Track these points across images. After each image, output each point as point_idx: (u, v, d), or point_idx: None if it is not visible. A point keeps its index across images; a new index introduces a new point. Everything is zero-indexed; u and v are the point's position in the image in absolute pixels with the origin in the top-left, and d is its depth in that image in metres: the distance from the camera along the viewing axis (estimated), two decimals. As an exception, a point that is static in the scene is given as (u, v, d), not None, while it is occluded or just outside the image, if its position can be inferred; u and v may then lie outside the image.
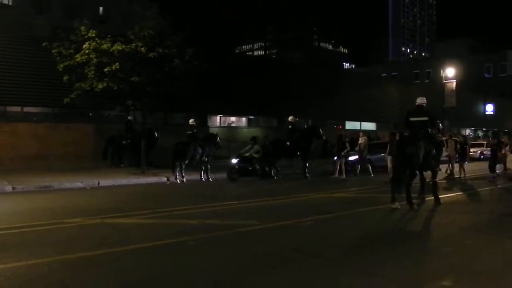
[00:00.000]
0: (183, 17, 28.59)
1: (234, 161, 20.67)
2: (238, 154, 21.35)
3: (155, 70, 19.38)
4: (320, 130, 21.68)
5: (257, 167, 20.51)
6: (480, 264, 7.00)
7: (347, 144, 22.09)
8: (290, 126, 21.64)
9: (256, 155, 20.89)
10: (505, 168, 19.83)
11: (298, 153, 20.88)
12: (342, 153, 21.53)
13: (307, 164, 20.62)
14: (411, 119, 12.37)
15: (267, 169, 20.46)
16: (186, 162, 18.52)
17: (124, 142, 22.96)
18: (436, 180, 12.93)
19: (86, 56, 18.80)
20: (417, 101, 12.75)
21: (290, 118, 21.81)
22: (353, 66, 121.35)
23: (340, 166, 21.40)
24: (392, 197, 11.81)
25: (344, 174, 21.13)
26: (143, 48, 18.85)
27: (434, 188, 12.74)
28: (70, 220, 10.03)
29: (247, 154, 21.08)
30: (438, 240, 8.72)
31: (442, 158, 24.30)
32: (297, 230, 9.47)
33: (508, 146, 19.70)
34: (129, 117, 23.17)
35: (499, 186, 17.81)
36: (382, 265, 6.83)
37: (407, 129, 12.62)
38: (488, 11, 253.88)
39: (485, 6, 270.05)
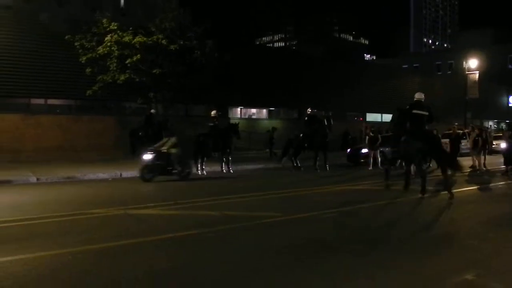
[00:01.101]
0: (203, 9, 28.65)
1: (147, 157, 16.46)
2: (152, 148, 16.90)
3: (176, 62, 19.47)
4: (331, 121, 20.74)
5: (175, 165, 16.64)
6: (502, 259, 6.94)
7: (379, 136, 21.86)
8: (306, 118, 21.34)
9: (173, 150, 16.57)
10: None
11: (306, 145, 20.42)
12: (377, 145, 21.41)
13: (324, 156, 20.08)
14: (414, 111, 12.63)
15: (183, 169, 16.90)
16: (208, 154, 18.57)
17: (140, 134, 22.97)
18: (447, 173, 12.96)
19: (108, 49, 18.98)
20: (416, 96, 13.12)
21: (308, 110, 21.52)
22: (374, 58, 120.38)
23: (374, 157, 21.30)
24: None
25: (378, 165, 20.95)
26: (164, 40, 18.95)
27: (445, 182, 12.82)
28: (93, 211, 10.17)
29: (164, 148, 16.65)
30: (459, 233, 8.64)
31: (464, 151, 24.17)
32: (318, 222, 9.46)
33: None
34: (152, 110, 23.17)
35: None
36: (402, 258, 6.82)
37: (407, 122, 12.95)
38: (511, 1, 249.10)
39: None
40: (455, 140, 20.99)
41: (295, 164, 20.45)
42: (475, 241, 7.93)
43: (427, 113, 12.65)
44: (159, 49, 19.05)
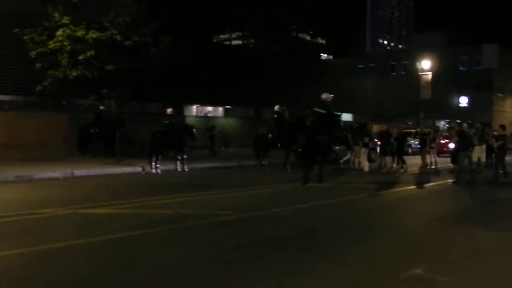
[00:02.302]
0: (159, 5, 28.19)
1: None
2: None
3: (131, 59, 19.02)
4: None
5: None
6: (452, 253, 7.16)
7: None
8: (276, 116, 20.01)
9: None
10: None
11: (279, 145, 19.43)
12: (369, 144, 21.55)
13: (288, 156, 18.98)
14: (315, 109, 14.41)
15: None
16: (163, 152, 18.32)
17: (92, 131, 22.44)
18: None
19: (59, 43, 18.38)
20: (322, 97, 14.66)
21: (276, 107, 19.97)
22: (331, 57, 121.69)
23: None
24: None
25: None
26: (118, 36, 18.51)
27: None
28: (42, 211, 9.81)
29: None
30: (412, 229, 8.88)
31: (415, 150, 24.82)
32: (274, 220, 9.46)
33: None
34: (101, 107, 22.52)
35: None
36: (357, 254, 6.92)
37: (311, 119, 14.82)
38: (464, 5, 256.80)
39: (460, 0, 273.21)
40: (400, 140, 21.41)
41: (263, 162, 20.04)
42: (424, 237, 8.21)
43: (325, 112, 14.20)
44: (113, 45, 18.59)
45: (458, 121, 58.36)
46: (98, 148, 22.10)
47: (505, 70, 69.37)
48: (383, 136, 21.67)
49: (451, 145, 21.24)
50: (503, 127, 18.59)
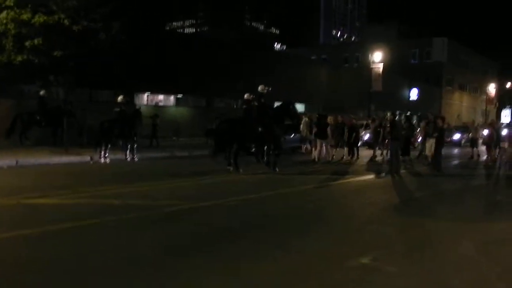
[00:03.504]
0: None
1: None
2: None
3: (79, 44, 18.49)
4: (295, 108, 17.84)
5: None
6: (400, 243, 7.32)
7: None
8: (245, 106, 17.37)
9: None
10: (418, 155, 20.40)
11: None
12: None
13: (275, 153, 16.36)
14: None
15: None
16: (112, 141, 17.92)
17: (38, 118, 21.38)
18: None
19: (3, 26, 17.68)
20: (258, 89, 15.79)
21: (245, 95, 17.11)
22: (284, 48, 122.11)
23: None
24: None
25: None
26: (66, 20, 17.95)
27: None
28: (-19, 201, 9.42)
29: None
30: (361, 219, 8.98)
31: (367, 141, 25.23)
32: (222, 210, 9.42)
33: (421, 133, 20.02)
34: (41, 92, 21.47)
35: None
36: (305, 244, 6.98)
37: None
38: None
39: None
40: (352, 130, 21.54)
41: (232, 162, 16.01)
42: (373, 226, 8.35)
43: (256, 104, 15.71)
44: (61, 29, 18.02)
45: (409, 113, 59.90)
46: (43, 136, 21.28)
47: (454, 63, 71.30)
48: (338, 127, 21.71)
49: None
50: (442, 119, 18.93)
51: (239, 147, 15.57)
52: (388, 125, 17.45)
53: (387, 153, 21.77)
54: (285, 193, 11.75)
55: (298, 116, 18.40)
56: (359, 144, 22.68)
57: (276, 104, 17.41)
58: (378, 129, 21.79)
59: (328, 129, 20.60)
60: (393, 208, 10.21)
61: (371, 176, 15.95)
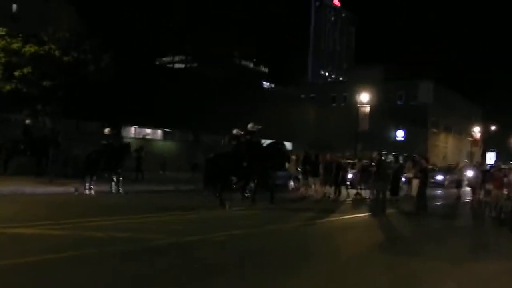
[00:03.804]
0: (102, 22, 27.75)
1: None
2: None
3: (69, 75, 18.49)
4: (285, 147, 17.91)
5: None
6: (383, 282, 7.27)
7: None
8: (234, 142, 17.16)
9: None
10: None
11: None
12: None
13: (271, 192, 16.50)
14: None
15: None
16: (98, 172, 17.74)
17: (22, 148, 21.04)
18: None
19: (-7, 55, 17.70)
20: (248, 126, 15.87)
21: (234, 131, 17.01)
22: (273, 86, 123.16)
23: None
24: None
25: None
26: (57, 51, 18.00)
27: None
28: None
29: None
30: (346, 258, 8.94)
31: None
32: (208, 245, 9.28)
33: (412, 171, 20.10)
34: (27, 121, 21.24)
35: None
36: (290, 281, 6.89)
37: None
38: (401, 43, 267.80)
39: (399, 37, 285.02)
40: (339, 169, 21.62)
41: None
42: (359, 265, 8.30)
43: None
44: (51, 60, 18.05)
45: (395, 154, 60.35)
46: (26, 166, 20.96)
47: (439, 106, 72.31)
48: (327, 165, 21.75)
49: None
50: (426, 160, 19.15)
51: (225, 182, 15.52)
52: (374, 165, 17.53)
53: (371, 193, 21.85)
54: (272, 230, 11.64)
55: (288, 155, 18.44)
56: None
57: (265, 142, 17.41)
58: (364, 168, 21.90)
59: (320, 167, 20.72)
60: (378, 247, 10.15)
61: (357, 215, 15.91)
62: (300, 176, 23.47)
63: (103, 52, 19.47)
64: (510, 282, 7.88)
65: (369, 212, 16.15)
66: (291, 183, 24.18)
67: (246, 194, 16.52)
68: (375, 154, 18.06)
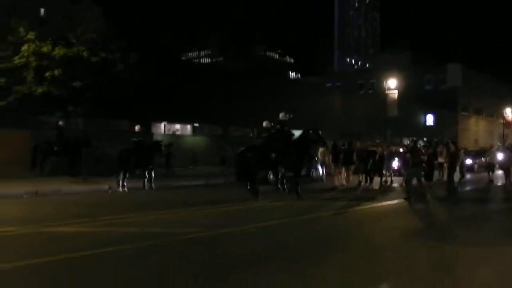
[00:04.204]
0: (128, 22, 28.09)
1: None
2: None
3: (98, 75, 18.83)
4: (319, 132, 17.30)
5: None
6: (418, 268, 7.25)
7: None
8: (265, 134, 17.59)
9: None
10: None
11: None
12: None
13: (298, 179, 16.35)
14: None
15: None
16: (130, 170, 18.06)
17: (56, 149, 21.43)
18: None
19: (24, 59, 18.09)
20: (279, 116, 16.10)
21: (264, 123, 17.43)
22: (299, 76, 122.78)
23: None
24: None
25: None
26: (85, 52, 18.32)
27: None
28: (4, 229, 9.51)
29: None
30: (380, 245, 8.92)
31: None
32: (241, 238, 9.40)
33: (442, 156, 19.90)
34: (60, 122, 21.66)
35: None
36: (324, 271, 6.95)
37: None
38: (428, 26, 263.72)
39: (425, 20, 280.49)
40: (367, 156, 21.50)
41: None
42: (391, 252, 8.30)
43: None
44: (80, 61, 18.40)
45: (425, 139, 59.62)
46: (59, 167, 21.39)
47: (468, 89, 71.04)
48: (359, 153, 21.65)
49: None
50: (454, 144, 18.94)
51: (256, 174, 15.77)
52: (408, 151, 17.44)
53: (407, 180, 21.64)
54: (303, 220, 11.68)
55: (324, 139, 18.29)
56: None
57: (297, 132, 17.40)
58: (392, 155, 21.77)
59: (354, 155, 20.66)
60: (410, 234, 10.10)
61: (389, 202, 15.84)
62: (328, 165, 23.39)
63: (130, 51, 19.73)
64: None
65: (404, 199, 15.96)
66: (319, 172, 23.99)
67: (280, 186, 16.61)
68: (409, 141, 17.97)
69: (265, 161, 15.82)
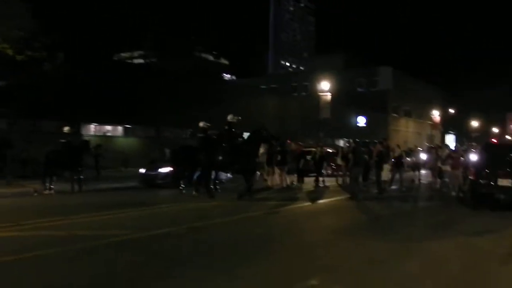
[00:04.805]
0: (57, 20, 27.21)
1: None
2: None
3: (23, 74, 18.09)
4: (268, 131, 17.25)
5: None
6: (346, 264, 7.43)
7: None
8: (201, 135, 17.34)
9: None
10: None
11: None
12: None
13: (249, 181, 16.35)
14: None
15: None
16: (57, 172, 17.49)
17: None
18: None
19: None
20: (227, 118, 16.22)
21: (201, 124, 17.34)
22: (234, 78, 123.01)
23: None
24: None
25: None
26: (9, 50, 17.59)
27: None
28: None
29: None
30: (311, 242, 9.08)
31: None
32: (171, 238, 9.32)
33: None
34: None
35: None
36: (254, 269, 6.99)
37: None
38: (361, 29, 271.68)
39: (359, 24, 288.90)
40: (299, 157, 21.90)
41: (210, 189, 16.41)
42: (321, 249, 8.45)
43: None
44: (4, 59, 17.62)
45: (357, 140, 61.08)
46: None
47: (399, 91, 73.49)
48: (294, 154, 21.95)
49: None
50: (381, 144, 19.65)
51: (189, 175, 15.71)
52: (350, 152, 17.92)
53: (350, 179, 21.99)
54: (235, 220, 11.69)
55: (275, 137, 18.44)
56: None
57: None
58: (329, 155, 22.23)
59: (288, 156, 20.86)
60: (341, 231, 10.33)
61: (321, 201, 16.11)
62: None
63: (59, 49, 19.11)
64: (464, 256, 8.17)
65: (350, 197, 16.32)
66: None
67: (213, 187, 16.59)
68: (351, 141, 18.41)
69: (199, 162, 15.89)
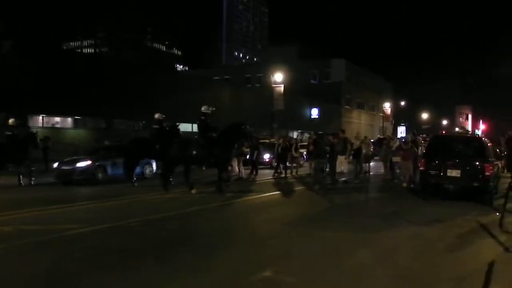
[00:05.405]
0: (3, 8, 26.20)
1: None
2: None
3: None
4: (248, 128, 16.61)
5: None
6: (299, 255, 7.51)
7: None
8: (156, 126, 17.78)
9: None
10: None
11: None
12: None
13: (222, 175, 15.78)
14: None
15: None
16: (3, 165, 16.88)
17: None
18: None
19: None
20: (201, 109, 15.63)
21: (156, 115, 17.80)
22: (187, 68, 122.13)
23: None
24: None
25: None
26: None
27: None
28: None
29: None
30: (264, 235, 9.13)
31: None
32: (124, 232, 9.17)
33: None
34: None
35: None
36: (210, 261, 6.97)
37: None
38: (315, 21, 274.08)
39: (312, 16, 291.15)
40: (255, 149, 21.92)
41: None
42: (276, 240, 8.53)
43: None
44: None
45: (311, 132, 61.64)
46: None
47: (352, 83, 74.64)
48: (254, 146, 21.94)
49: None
50: (333, 135, 19.90)
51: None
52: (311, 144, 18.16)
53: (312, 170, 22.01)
54: (189, 213, 11.58)
55: (253, 136, 18.31)
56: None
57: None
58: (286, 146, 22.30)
59: (244, 148, 20.77)
60: (295, 223, 10.41)
61: (276, 192, 16.18)
62: None
63: (4, 37, 18.40)
64: (415, 245, 8.35)
65: (297, 188, 16.51)
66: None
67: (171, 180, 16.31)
68: (312, 133, 18.52)
69: (155, 152, 15.89)
